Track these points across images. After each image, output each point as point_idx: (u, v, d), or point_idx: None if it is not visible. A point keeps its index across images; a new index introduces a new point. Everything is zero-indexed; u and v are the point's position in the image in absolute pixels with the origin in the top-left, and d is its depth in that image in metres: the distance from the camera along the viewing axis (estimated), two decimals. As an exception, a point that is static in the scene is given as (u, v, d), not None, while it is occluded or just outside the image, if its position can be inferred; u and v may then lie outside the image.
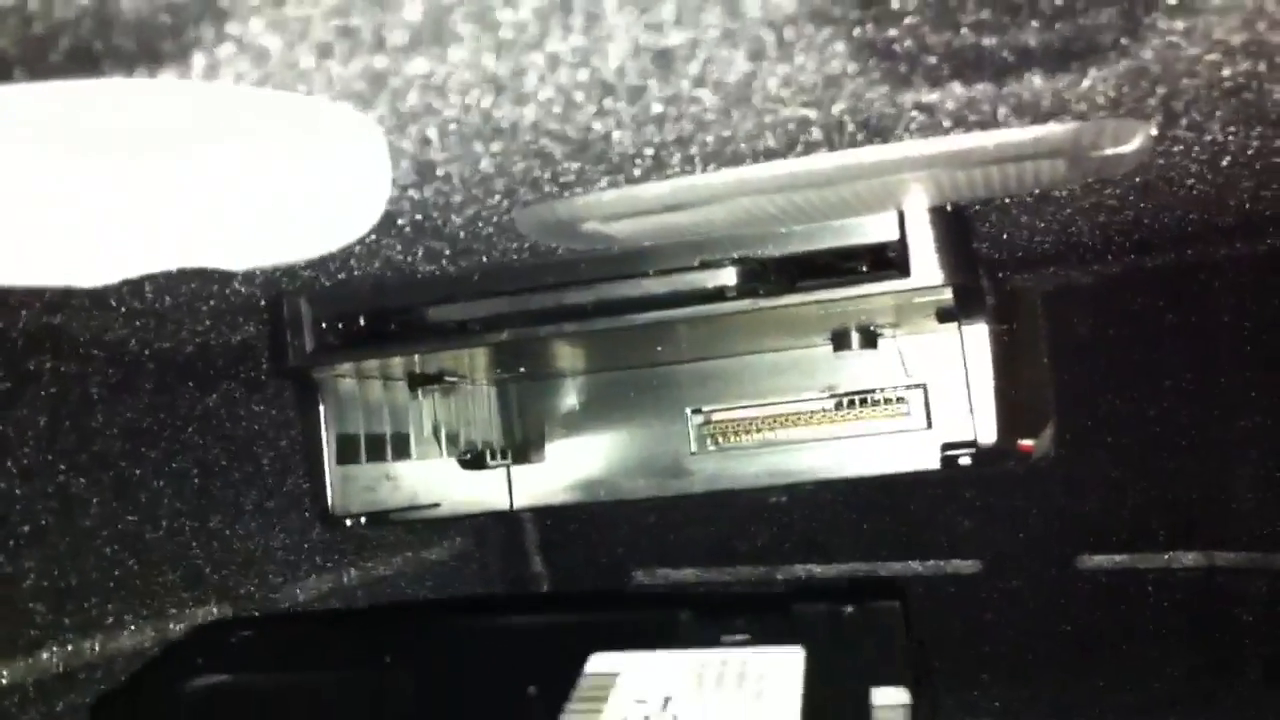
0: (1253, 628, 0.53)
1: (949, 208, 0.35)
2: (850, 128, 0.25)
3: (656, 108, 0.23)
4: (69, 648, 0.38)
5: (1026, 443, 0.53)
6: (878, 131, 0.25)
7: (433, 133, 0.22)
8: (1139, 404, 0.54)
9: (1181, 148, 0.30)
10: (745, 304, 0.35)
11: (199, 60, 0.18)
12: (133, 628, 0.40)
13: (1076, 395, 0.54)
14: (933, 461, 0.45)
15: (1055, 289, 0.54)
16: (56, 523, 0.38)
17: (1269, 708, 0.52)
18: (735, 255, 0.35)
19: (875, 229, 0.35)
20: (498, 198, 0.27)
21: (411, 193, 0.26)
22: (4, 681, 0.36)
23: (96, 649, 0.39)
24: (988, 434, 0.38)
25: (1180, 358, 0.53)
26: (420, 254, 0.33)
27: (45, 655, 0.37)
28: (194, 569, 0.43)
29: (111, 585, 0.40)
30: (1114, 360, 0.54)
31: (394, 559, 0.55)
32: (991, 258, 0.46)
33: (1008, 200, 0.36)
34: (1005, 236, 0.43)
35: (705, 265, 0.35)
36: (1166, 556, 0.54)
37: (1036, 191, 0.34)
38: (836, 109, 0.24)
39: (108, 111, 0.19)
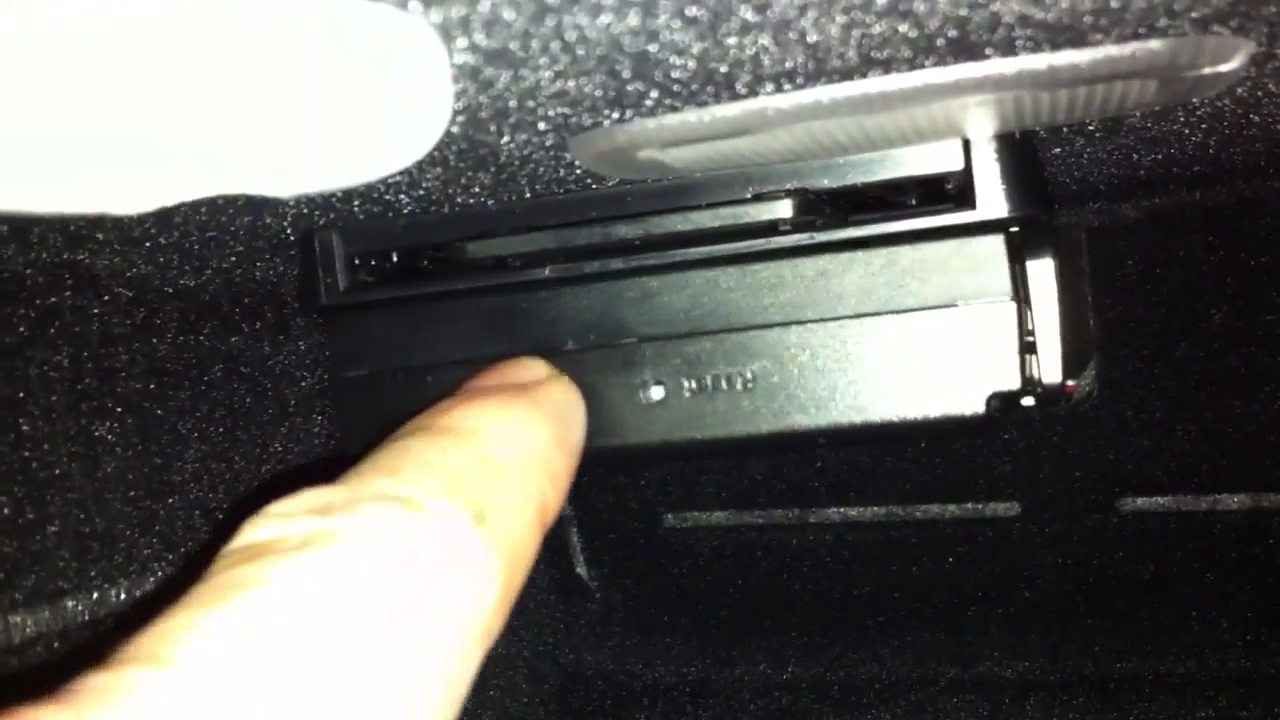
0: (1301, 571, 0.52)
1: (1017, 135, 0.33)
2: (940, 43, 0.23)
3: (741, 20, 0.21)
4: (94, 595, 0.37)
5: (1069, 383, 0.52)
6: (965, 48, 0.24)
7: (493, 45, 0.21)
8: (1184, 343, 0.52)
9: (1273, 68, 0.28)
10: (800, 238, 0.34)
11: None
12: (159, 574, 0.39)
13: (1120, 334, 0.53)
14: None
15: (1100, 224, 0.52)
16: (80, 467, 0.36)
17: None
18: (789, 187, 0.34)
19: (937, 158, 0.33)
20: (553, 123, 0.26)
21: (464, 116, 0.24)
22: (29, 631, 0.34)
23: (122, 595, 0.38)
24: (1052, 374, 0.36)
25: (1227, 296, 0.51)
26: (463, 185, 0.31)
27: (70, 603, 0.36)
28: (220, 513, 0.42)
29: (137, 530, 0.38)
30: (1159, 298, 0.52)
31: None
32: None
33: (1070, 130, 0.35)
34: (1061, 168, 0.41)
35: (759, 198, 0.34)
36: (1212, 499, 0.53)
37: (1109, 119, 0.33)
38: (930, 22, 0.22)
39: (148, 27, 0.17)
